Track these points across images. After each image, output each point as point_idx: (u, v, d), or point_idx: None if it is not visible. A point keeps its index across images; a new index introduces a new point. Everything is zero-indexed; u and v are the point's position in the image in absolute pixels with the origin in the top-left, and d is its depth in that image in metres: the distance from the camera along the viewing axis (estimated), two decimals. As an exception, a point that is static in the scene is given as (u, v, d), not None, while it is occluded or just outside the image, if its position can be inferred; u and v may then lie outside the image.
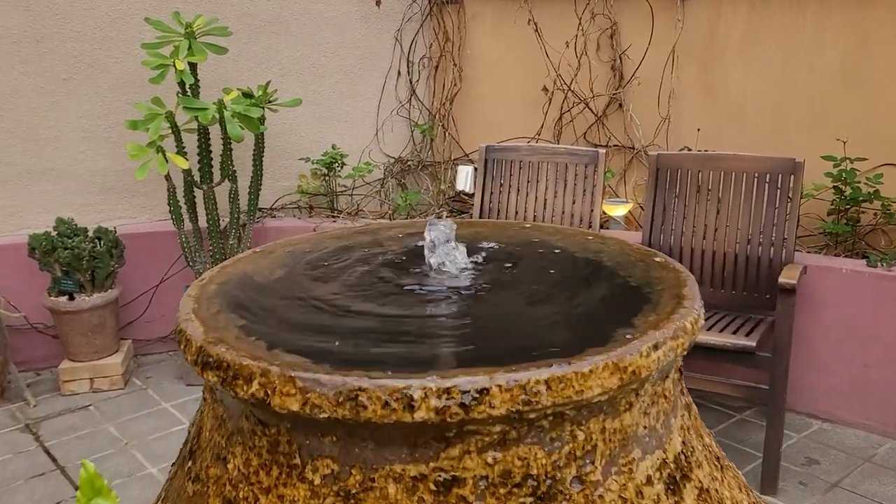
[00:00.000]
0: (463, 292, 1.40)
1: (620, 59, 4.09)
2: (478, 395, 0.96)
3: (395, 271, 1.52)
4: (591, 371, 1.00)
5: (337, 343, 1.16)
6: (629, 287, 1.36)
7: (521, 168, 3.43)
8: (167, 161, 3.38)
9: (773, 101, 3.64)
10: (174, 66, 3.38)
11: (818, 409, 3.23)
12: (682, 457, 1.16)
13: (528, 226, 1.84)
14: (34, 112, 3.75)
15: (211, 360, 1.09)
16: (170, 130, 3.46)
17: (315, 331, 1.24)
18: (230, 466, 1.12)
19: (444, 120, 4.87)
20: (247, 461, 1.10)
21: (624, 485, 1.06)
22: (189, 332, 1.17)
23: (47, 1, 3.69)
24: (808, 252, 3.34)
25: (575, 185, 3.32)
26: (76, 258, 3.46)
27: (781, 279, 2.70)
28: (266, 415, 1.07)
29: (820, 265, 3.12)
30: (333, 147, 4.35)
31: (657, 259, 1.48)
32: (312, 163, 4.33)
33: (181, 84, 3.47)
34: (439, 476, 1.00)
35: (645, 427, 1.11)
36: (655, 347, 1.07)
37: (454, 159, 4.78)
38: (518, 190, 3.43)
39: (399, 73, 4.81)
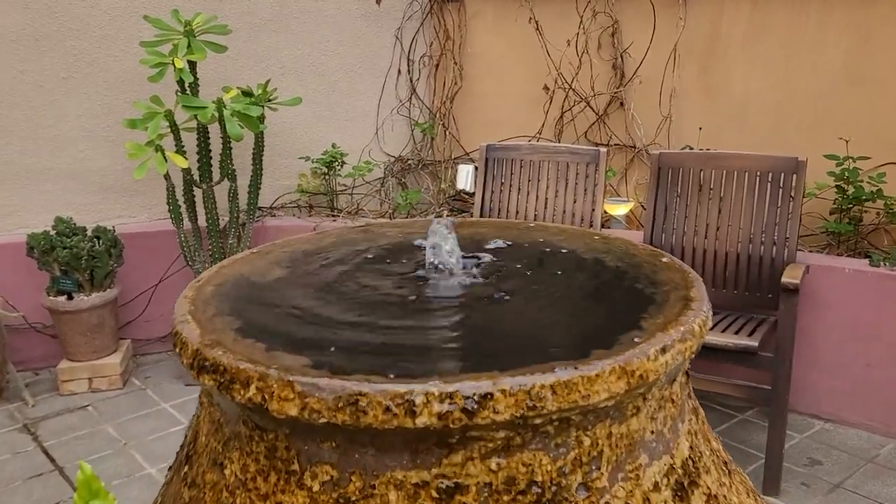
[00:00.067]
0: (466, 294, 1.38)
1: (622, 57, 4.08)
2: (481, 401, 0.94)
3: (395, 272, 1.50)
4: (597, 375, 0.98)
5: (332, 350, 1.14)
6: (635, 288, 1.33)
7: (521, 167, 3.42)
8: (166, 160, 3.36)
9: (776, 99, 3.62)
10: (173, 64, 3.36)
11: (821, 409, 3.22)
12: (690, 462, 1.14)
13: (532, 225, 1.81)
14: (33, 111, 3.73)
15: (207, 363, 1.07)
16: (169, 129, 3.44)
17: (314, 333, 1.22)
18: (227, 472, 1.10)
19: (444, 119, 4.85)
20: (244, 467, 1.08)
21: (631, 491, 1.04)
22: (185, 335, 1.15)
23: (46, -1, 3.68)
24: (811, 251, 3.33)
25: (576, 184, 3.31)
26: (75, 258, 3.44)
27: (784, 279, 2.68)
28: (264, 420, 1.04)
29: (822, 265, 3.11)
30: (333, 146, 4.33)
31: (664, 259, 1.46)
32: (312, 162, 4.31)
33: (180, 82, 3.45)
34: (441, 483, 0.98)
35: (652, 432, 1.09)
36: (663, 350, 1.05)
37: (455, 158, 4.76)
38: (519, 189, 3.42)
39: (399, 71, 4.79)
